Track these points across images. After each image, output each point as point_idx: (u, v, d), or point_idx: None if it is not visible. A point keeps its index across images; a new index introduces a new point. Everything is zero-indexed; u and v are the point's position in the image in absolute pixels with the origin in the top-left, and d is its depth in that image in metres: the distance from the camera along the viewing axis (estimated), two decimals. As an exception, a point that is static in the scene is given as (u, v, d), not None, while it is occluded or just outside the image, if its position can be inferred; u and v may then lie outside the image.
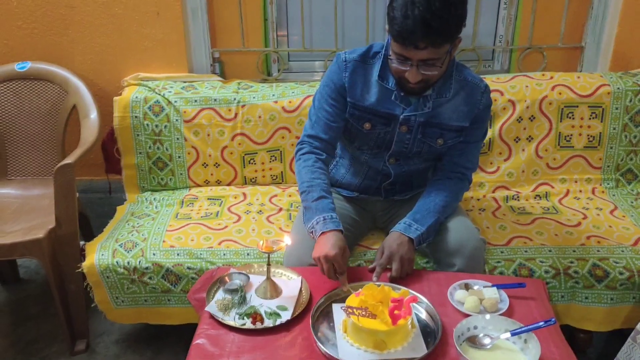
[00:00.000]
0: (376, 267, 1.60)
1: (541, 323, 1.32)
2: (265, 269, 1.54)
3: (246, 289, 1.54)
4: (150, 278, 1.86)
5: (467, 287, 1.54)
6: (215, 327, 1.42)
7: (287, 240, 1.52)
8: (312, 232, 1.61)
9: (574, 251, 1.85)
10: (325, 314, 1.46)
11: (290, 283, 1.56)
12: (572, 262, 1.81)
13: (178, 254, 1.87)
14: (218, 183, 2.32)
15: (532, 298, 1.52)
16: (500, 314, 1.43)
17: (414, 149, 1.74)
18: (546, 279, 1.79)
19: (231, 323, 1.42)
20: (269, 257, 1.51)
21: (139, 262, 1.85)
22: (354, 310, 1.33)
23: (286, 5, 2.48)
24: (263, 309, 1.46)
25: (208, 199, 2.22)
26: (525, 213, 2.09)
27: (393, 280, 1.57)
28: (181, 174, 2.30)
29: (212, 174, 2.30)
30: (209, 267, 1.84)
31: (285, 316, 1.43)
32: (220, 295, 1.52)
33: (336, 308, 1.46)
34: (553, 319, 1.33)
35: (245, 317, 1.43)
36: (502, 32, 2.49)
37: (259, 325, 1.40)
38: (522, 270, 1.80)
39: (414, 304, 1.44)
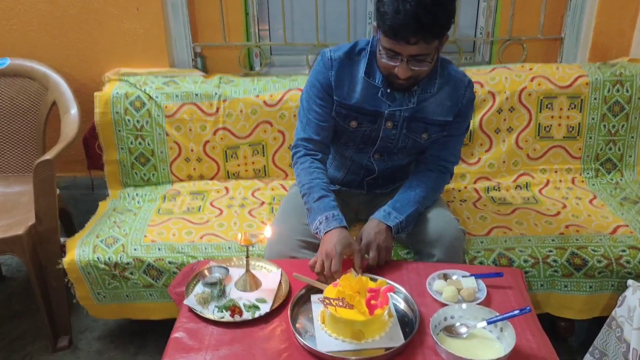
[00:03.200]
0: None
1: (517, 311, 1.33)
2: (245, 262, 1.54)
3: (225, 282, 1.54)
4: (131, 273, 1.86)
5: (445, 277, 1.55)
6: (194, 321, 1.42)
7: (267, 232, 1.53)
8: (317, 233, 1.62)
9: (553, 240, 1.87)
10: (304, 306, 1.47)
11: (270, 276, 1.57)
12: (550, 251, 1.83)
13: (159, 249, 1.87)
14: (201, 178, 2.32)
15: (510, 287, 1.53)
16: (478, 304, 1.44)
17: (399, 144, 1.75)
18: (525, 268, 1.80)
19: (210, 316, 1.42)
20: (247, 250, 1.52)
21: (120, 257, 1.85)
22: (331, 301, 1.33)
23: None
24: (242, 302, 1.46)
25: (190, 193, 2.21)
26: (506, 203, 2.11)
27: (370, 268, 1.58)
28: (163, 169, 2.29)
29: (194, 169, 2.30)
30: (191, 261, 1.84)
31: (264, 308, 1.44)
32: (199, 288, 1.52)
33: (314, 299, 1.46)
34: (528, 308, 1.34)
35: (224, 310, 1.44)
36: (482, 23, 2.50)
37: (237, 318, 1.41)
38: (501, 260, 1.81)
39: (393, 294, 1.45)
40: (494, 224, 1.95)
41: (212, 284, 1.52)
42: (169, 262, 1.85)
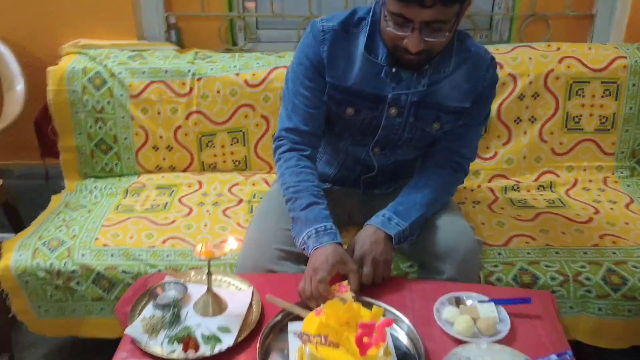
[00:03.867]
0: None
1: (553, 357, 1.02)
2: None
3: (182, 302, 1.23)
4: (77, 283, 1.55)
5: (458, 302, 1.24)
6: (137, 356, 1.12)
7: (231, 243, 1.20)
8: (304, 249, 1.32)
9: (585, 253, 1.56)
10: (280, 336, 1.16)
11: (239, 295, 1.26)
12: (583, 267, 1.51)
13: (112, 255, 1.56)
14: (172, 169, 2.00)
15: (539, 317, 1.22)
16: (499, 340, 1.13)
17: (404, 136, 1.43)
18: (552, 288, 1.49)
19: (156, 350, 1.11)
20: (209, 266, 1.20)
21: (64, 264, 1.54)
22: (310, 337, 1.02)
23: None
24: (200, 331, 1.15)
25: (157, 187, 1.90)
26: (527, 207, 1.79)
27: (363, 287, 1.27)
28: (128, 158, 1.97)
29: (164, 159, 1.98)
30: (149, 270, 1.53)
31: (227, 341, 1.13)
32: (149, 311, 1.21)
33: (293, 330, 1.15)
34: (569, 352, 1.02)
35: (175, 342, 1.13)
36: (501, -4, 2.17)
37: (191, 355, 1.10)
38: (523, 277, 1.50)
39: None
40: (513, 232, 1.64)
41: (164, 306, 1.21)
42: (123, 272, 1.54)
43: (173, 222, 1.70)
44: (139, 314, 1.21)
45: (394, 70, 1.34)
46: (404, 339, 1.15)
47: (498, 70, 1.46)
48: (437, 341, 1.15)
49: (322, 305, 1.13)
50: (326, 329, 1.04)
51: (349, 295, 1.19)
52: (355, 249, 1.33)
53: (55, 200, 1.89)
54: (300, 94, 1.39)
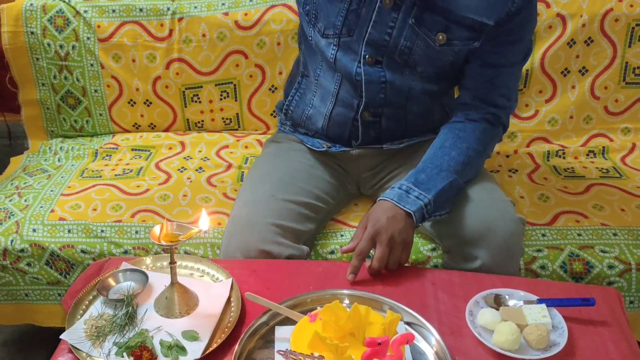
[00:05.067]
0: (353, 250, 1.03)
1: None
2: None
3: (139, 299, 0.95)
4: (29, 265, 1.28)
5: (497, 301, 0.95)
6: (74, 370, 0.85)
7: (202, 223, 0.91)
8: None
9: (651, 235, 1.26)
10: (264, 345, 0.89)
11: (214, 289, 0.98)
12: (649, 253, 1.21)
13: (69, 231, 1.29)
14: (152, 128, 1.71)
15: (604, 323, 0.93)
16: (554, 356, 0.84)
17: (400, 41, 1.12)
18: (609, 278, 1.20)
19: (99, 365, 0.84)
20: (172, 254, 0.91)
21: (11, 241, 1.27)
22: (299, 357, 0.74)
23: None
24: (158, 338, 0.88)
25: (132, 149, 1.61)
26: (576, 177, 1.48)
27: (373, 273, 1.00)
28: (100, 114, 1.68)
29: (142, 116, 1.68)
30: (113, 250, 1.27)
31: (194, 352, 0.85)
32: (96, 308, 0.94)
33: (281, 336, 0.87)
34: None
35: (125, 354, 0.85)
36: None
37: (143, 371, 0.83)
38: (574, 265, 1.21)
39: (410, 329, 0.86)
40: (560, 208, 1.34)
41: (116, 302, 0.94)
42: (82, 252, 1.27)
43: (147, 191, 1.41)
44: (84, 313, 0.94)
45: None
46: (428, 351, 0.87)
47: (539, 11, 1.13)
48: (472, 356, 0.87)
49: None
50: (321, 345, 0.76)
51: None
52: (368, 225, 1.04)
53: (15, 163, 1.63)
54: None
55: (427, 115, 1.24)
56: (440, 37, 1.10)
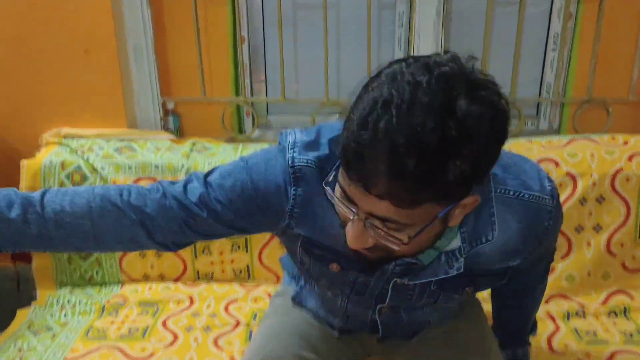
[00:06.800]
0: None
1: None
2: None
3: None
4: None
5: None
6: None
7: None
8: None
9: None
10: None
11: None
12: None
13: (68, 403, 1.23)
14: (161, 278, 1.69)
15: None
16: None
17: (423, 299, 1.05)
18: None
19: None
20: None
21: (7, 417, 1.21)
22: None
23: (264, 43, 1.90)
24: None
25: (139, 303, 1.58)
26: (599, 342, 1.41)
27: None
28: (111, 265, 1.67)
29: (152, 266, 1.67)
30: None
31: None
32: None
33: None
34: None
35: None
36: (550, 79, 1.86)
37: None
38: None
39: None
40: (585, 382, 1.26)
41: None
42: None
43: (152, 355, 1.37)
44: None
45: None
46: None
47: (545, 167, 1.14)
48: None
49: None
50: None
51: None
52: None
53: (21, 317, 1.58)
54: (216, 199, 0.91)
55: (445, 314, 1.18)
56: (468, 289, 1.03)
